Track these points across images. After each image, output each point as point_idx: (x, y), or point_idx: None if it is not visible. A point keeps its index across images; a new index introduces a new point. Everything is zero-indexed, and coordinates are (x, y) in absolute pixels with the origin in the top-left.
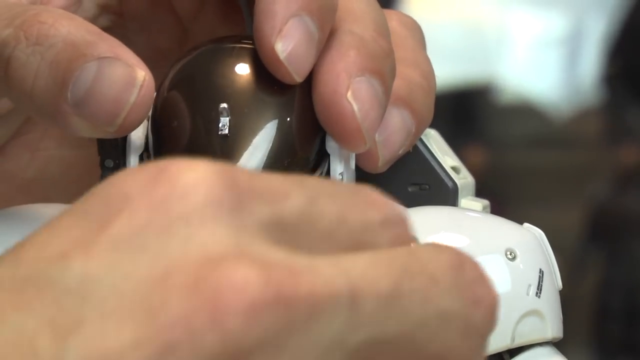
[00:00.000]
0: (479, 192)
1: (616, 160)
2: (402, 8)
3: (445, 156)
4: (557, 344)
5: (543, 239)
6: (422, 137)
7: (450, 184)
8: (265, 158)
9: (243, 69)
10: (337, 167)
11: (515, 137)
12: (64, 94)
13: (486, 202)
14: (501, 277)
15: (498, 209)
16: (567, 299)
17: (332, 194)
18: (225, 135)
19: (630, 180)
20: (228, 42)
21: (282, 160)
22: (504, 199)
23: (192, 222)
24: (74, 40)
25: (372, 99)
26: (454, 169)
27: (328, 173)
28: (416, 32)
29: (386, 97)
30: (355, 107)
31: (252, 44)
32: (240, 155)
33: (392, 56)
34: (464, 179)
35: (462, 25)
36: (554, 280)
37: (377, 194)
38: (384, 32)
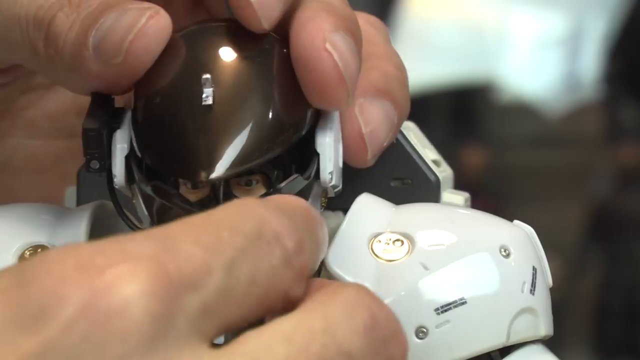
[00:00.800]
0: (479, 192)
1: (616, 160)
2: (402, 8)
3: (425, 149)
4: (558, 342)
5: (533, 236)
6: (403, 130)
7: (432, 177)
8: (251, 132)
9: (226, 44)
10: (327, 166)
11: (515, 136)
12: (87, 40)
13: (467, 194)
14: (496, 274)
15: (498, 208)
16: (567, 299)
17: (242, 248)
18: (209, 105)
19: (630, 180)
20: (209, 22)
21: (266, 133)
22: (504, 199)
23: (129, 342)
24: (109, 1)
25: (349, 51)
26: (434, 162)
27: (317, 173)
28: (382, 30)
29: (359, 57)
30: (336, 55)
31: (232, 24)
32: (226, 128)
33: (358, 25)
34: (444, 172)
35: (462, 25)
36: (545, 277)
37: (276, 219)
38: (348, 5)
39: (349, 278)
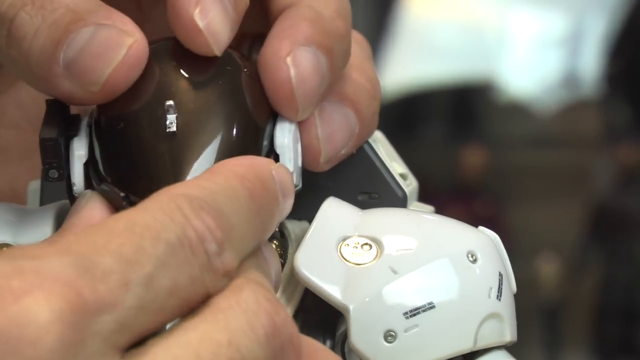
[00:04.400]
0: (479, 192)
1: (616, 159)
2: (402, 8)
3: (393, 162)
4: (557, 342)
5: (498, 242)
6: (372, 143)
7: (400, 193)
8: (215, 156)
9: (188, 67)
10: (287, 167)
11: (515, 136)
12: (57, 54)
13: (431, 207)
14: (464, 279)
15: (498, 208)
16: (567, 299)
17: (163, 259)
18: (173, 132)
19: (630, 180)
20: (170, 41)
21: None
22: (504, 199)
23: None
24: (76, 8)
25: (312, 68)
26: (401, 175)
27: None
28: (364, 45)
29: (330, 74)
30: (293, 71)
31: None
32: (190, 153)
33: (348, 39)
34: (410, 185)
35: (462, 25)
36: (510, 283)
37: (199, 221)
38: (345, 15)
39: (318, 281)
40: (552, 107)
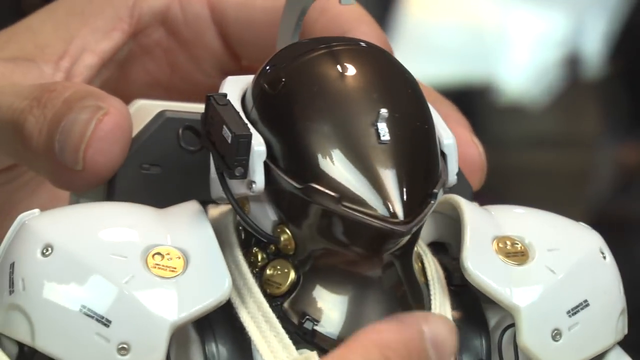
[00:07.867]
0: (479, 193)
1: (617, 160)
2: (402, 8)
3: None
4: None
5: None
6: None
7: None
8: (421, 165)
9: (387, 72)
10: (454, 167)
11: (515, 137)
12: (53, 145)
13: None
14: (603, 276)
15: None
16: None
17: None
18: (387, 141)
19: (630, 180)
20: (352, 43)
21: (437, 166)
22: (504, 199)
23: None
24: (70, 98)
25: None
26: None
27: None
28: None
29: None
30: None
31: (370, 47)
32: (401, 162)
33: None
34: None
35: (462, 25)
36: None
37: None
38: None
39: (490, 282)
40: (552, 108)
